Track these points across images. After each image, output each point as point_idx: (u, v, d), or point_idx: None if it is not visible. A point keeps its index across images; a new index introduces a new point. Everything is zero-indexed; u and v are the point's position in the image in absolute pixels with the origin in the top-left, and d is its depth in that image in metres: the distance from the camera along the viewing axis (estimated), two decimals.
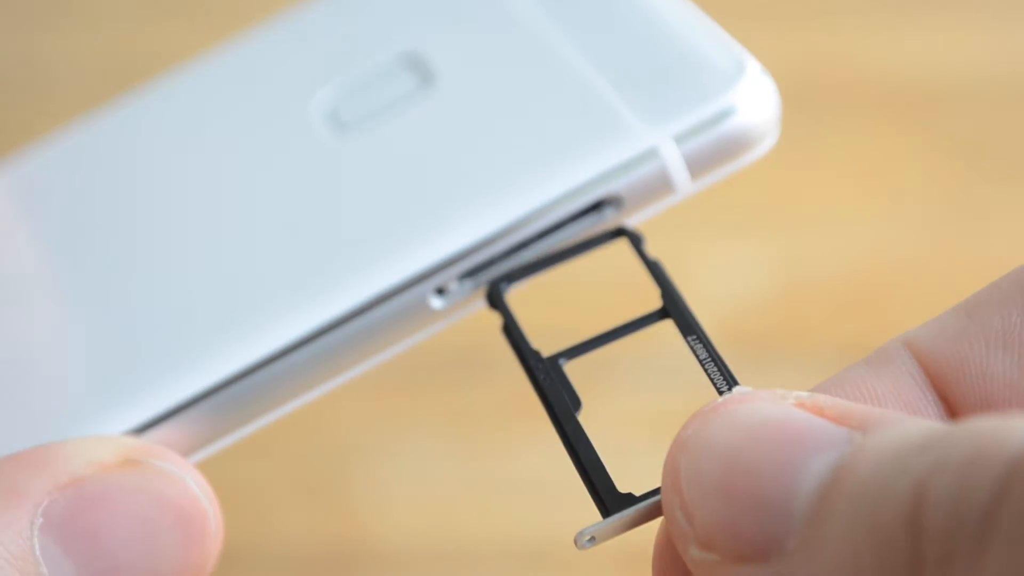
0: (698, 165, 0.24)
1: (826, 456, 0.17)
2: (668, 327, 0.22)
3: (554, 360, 0.22)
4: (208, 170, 0.27)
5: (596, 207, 0.24)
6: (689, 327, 0.22)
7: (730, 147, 0.24)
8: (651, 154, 0.24)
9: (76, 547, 0.21)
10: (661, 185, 0.24)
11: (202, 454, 0.24)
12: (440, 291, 0.24)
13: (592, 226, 0.25)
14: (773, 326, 0.45)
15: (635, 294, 0.24)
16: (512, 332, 0.23)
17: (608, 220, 0.24)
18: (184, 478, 0.22)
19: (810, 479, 0.17)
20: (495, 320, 0.24)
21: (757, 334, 0.45)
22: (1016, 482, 0.15)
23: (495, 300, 0.24)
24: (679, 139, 0.24)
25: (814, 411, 0.18)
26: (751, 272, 0.46)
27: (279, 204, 0.26)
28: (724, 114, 0.24)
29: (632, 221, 0.25)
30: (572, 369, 0.22)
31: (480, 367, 0.24)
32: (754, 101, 0.24)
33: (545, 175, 0.24)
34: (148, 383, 0.24)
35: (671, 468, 0.18)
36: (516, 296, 0.24)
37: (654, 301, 0.23)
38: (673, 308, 0.22)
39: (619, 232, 0.24)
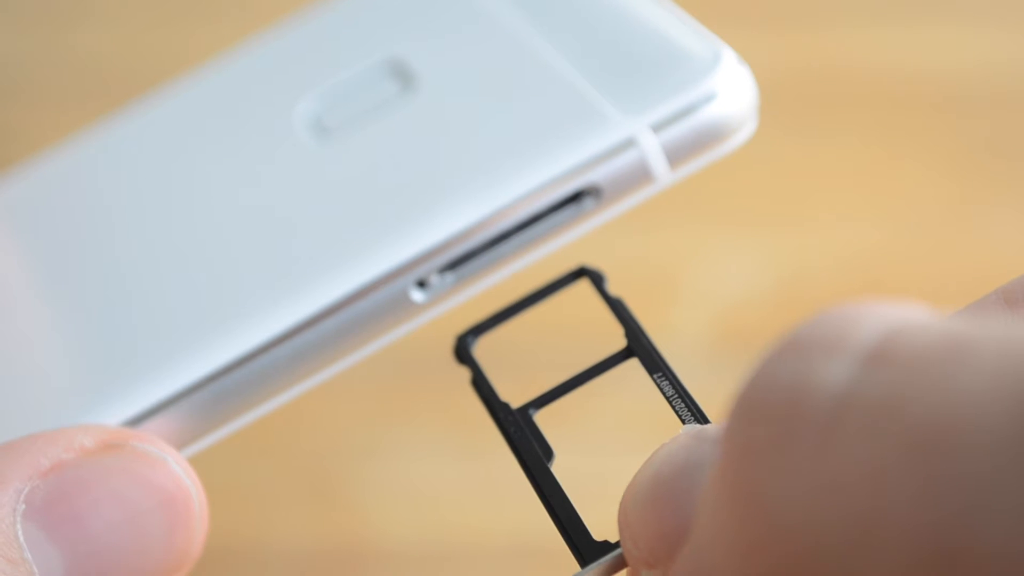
0: (677, 154, 0.24)
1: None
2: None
3: (523, 411, 0.22)
4: (196, 176, 0.27)
5: (575, 197, 0.24)
6: (655, 364, 0.22)
7: (708, 135, 0.24)
8: (629, 143, 0.24)
9: (60, 532, 0.21)
10: (640, 174, 0.24)
11: (191, 449, 0.24)
12: (421, 284, 0.24)
13: (572, 217, 0.25)
14: (770, 324, 0.45)
15: (601, 332, 0.24)
16: (481, 386, 0.23)
17: (588, 210, 0.24)
18: (166, 459, 0.22)
19: (708, 455, 0.17)
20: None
21: (754, 333, 0.45)
22: (874, 371, 0.14)
23: (462, 355, 0.24)
24: (657, 128, 0.24)
25: None
26: (748, 271, 0.46)
27: (264, 207, 0.26)
28: (701, 102, 0.24)
29: (612, 212, 0.25)
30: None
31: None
32: (731, 89, 0.24)
33: (524, 166, 0.24)
34: (135, 379, 0.24)
35: (623, 504, 0.19)
36: (484, 346, 0.24)
37: (619, 339, 0.23)
38: (637, 346, 0.22)
39: (580, 273, 0.24)
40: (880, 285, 0.46)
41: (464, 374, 0.23)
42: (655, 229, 0.24)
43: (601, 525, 0.21)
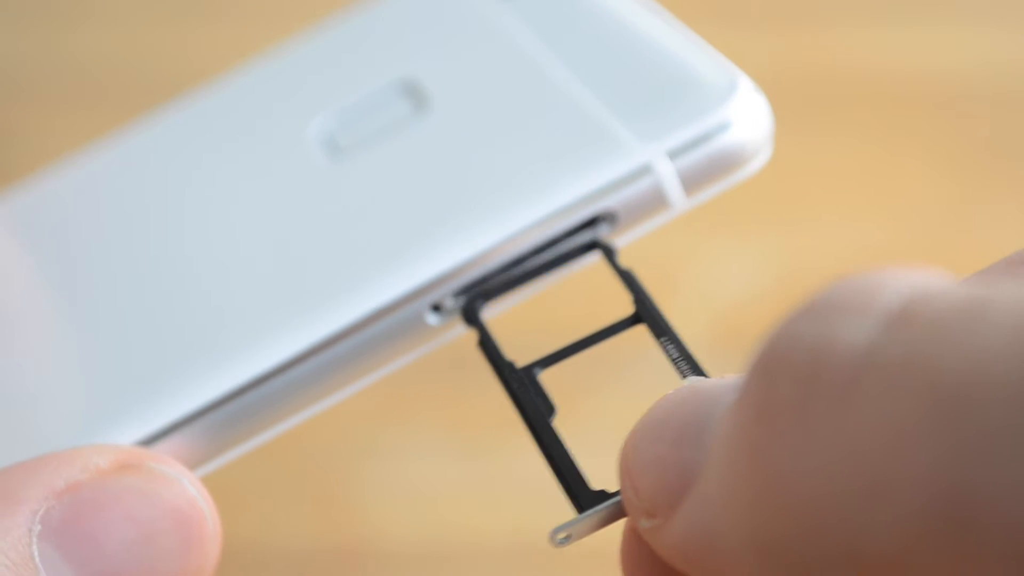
0: (692, 181, 0.25)
1: (732, 395, 0.17)
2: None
3: (528, 370, 0.23)
4: (209, 195, 0.27)
5: (591, 223, 0.24)
6: (661, 329, 0.22)
7: (724, 163, 0.24)
8: (645, 170, 0.24)
9: (75, 552, 0.21)
10: (655, 201, 0.24)
11: (203, 470, 0.24)
12: (436, 307, 0.24)
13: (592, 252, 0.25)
14: (770, 326, 0.45)
15: (609, 305, 0.24)
16: (487, 346, 0.23)
17: (603, 236, 0.25)
18: (181, 480, 0.22)
19: (720, 407, 0.17)
20: (495, 322, 0.24)
21: (754, 333, 0.45)
22: (896, 332, 0.14)
23: (470, 316, 0.24)
24: (673, 155, 0.24)
25: None
26: (748, 271, 0.46)
27: (277, 226, 0.26)
28: (718, 130, 0.24)
29: (626, 238, 0.25)
30: (576, 365, 0.22)
31: (481, 367, 0.24)
32: (747, 117, 0.24)
33: (539, 191, 0.24)
34: (149, 399, 0.24)
35: (623, 453, 0.19)
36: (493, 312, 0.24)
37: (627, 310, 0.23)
38: (645, 313, 0.23)
39: (592, 245, 0.24)
40: None
41: (465, 376, 0.23)
42: (659, 232, 0.24)
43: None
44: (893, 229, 0.47)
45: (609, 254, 0.24)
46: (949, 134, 0.49)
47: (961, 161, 0.49)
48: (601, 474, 0.21)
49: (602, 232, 0.25)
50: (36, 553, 0.21)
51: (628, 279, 0.23)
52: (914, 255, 0.47)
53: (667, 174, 0.24)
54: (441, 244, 0.24)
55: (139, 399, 0.24)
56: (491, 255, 0.24)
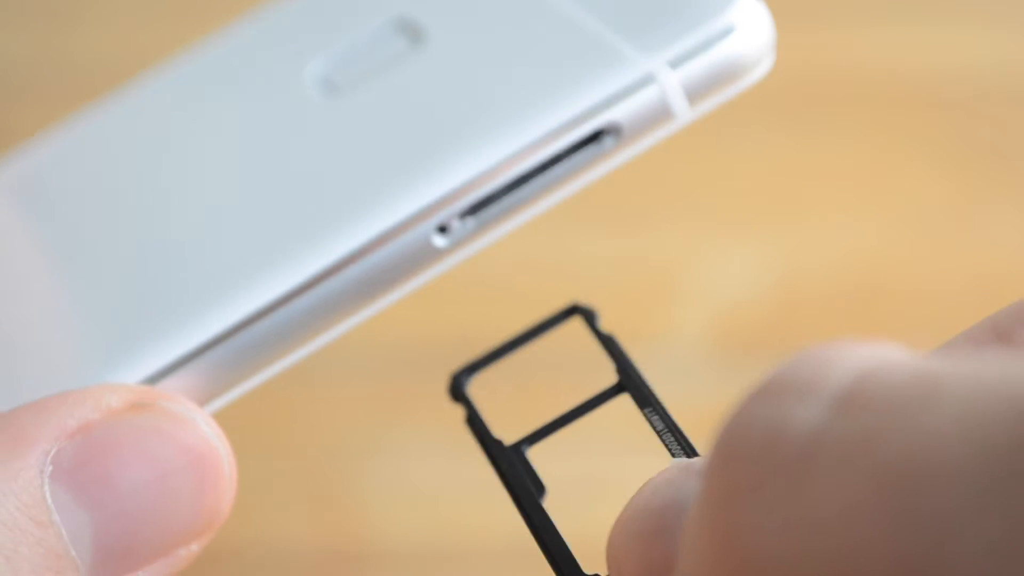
0: (696, 90, 0.24)
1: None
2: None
3: (516, 447, 0.22)
4: (210, 137, 0.27)
5: (595, 137, 0.24)
6: (645, 400, 0.22)
7: (727, 71, 0.24)
8: (648, 79, 0.24)
9: (87, 493, 0.21)
10: (660, 111, 0.24)
11: (216, 404, 0.24)
12: (443, 229, 0.24)
13: (593, 157, 0.24)
14: (770, 325, 0.45)
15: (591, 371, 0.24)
16: (475, 423, 0.23)
17: (608, 149, 0.24)
18: (195, 419, 0.22)
19: (694, 493, 0.17)
20: (496, 321, 0.24)
21: (754, 334, 0.45)
22: (846, 411, 0.14)
23: (456, 393, 0.24)
24: (675, 64, 0.24)
25: None
26: (748, 271, 0.46)
27: (278, 164, 0.26)
28: (719, 37, 0.24)
29: (631, 151, 0.25)
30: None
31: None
32: (748, 24, 0.24)
33: (542, 107, 0.24)
34: (155, 335, 0.24)
35: (610, 537, 0.19)
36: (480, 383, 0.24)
37: (610, 374, 0.23)
38: (628, 382, 0.22)
39: (572, 311, 0.24)
40: (880, 285, 0.46)
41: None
42: (655, 229, 0.24)
43: (597, 536, 0.21)
44: (893, 229, 0.47)
45: (589, 318, 0.24)
46: (949, 134, 0.49)
47: (961, 161, 0.49)
48: (599, 474, 0.21)
49: (607, 145, 0.24)
50: (48, 494, 0.21)
51: (609, 345, 0.23)
52: (914, 255, 0.47)
53: (670, 83, 0.24)
54: (444, 163, 0.24)
55: (147, 335, 0.24)
56: (496, 173, 0.24)
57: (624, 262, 0.24)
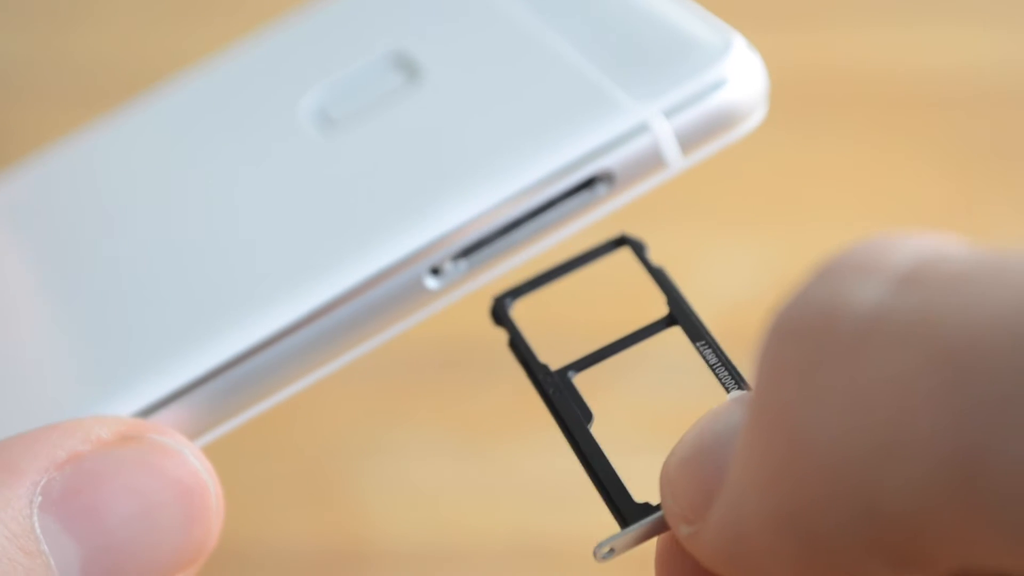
0: (689, 139, 0.24)
1: None
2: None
3: (563, 373, 0.22)
4: (205, 170, 0.27)
5: (588, 184, 0.24)
6: (697, 333, 0.22)
7: (720, 121, 0.24)
8: (642, 128, 0.24)
9: (76, 524, 0.21)
10: (653, 160, 0.24)
11: (206, 439, 0.24)
12: (435, 271, 0.24)
13: (585, 204, 0.25)
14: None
15: (638, 301, 0.24)
16: (519, 347, 0.23)
17: (600, 196, 0.24)
18: (183, 451, 0.22)
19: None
20: (537, 325, 0.24)
21: (754, 332, 0.45)
22: (906, 290, 0.14)
23: (500, 316, 0.24)
24: (669, 113, 0.24)
25: None
26: (749, 270, 0.46)
27: (272, 198, 0.26)
28: (713, 87, 0.24)
29: (624, 198, 0.25)
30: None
31: (481, 367, 0.24)
32: (742, 75, 0.24)
33: (536, 153, 0.24)
34: (148, 369, 0.24)
35: (665, 464, 0.19)
36: (521, 308, 0.24)
37: (658, 307, 0.23)
38: (680, 315, 0.22)
39: (621, 241, 0.24)
40: None
41: (465, 377, 0.23)
42: (655, 229, 0.24)
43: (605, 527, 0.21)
44: (892, 229, 0.47)
45: (639, 250, 0.24)
46: (949, 134, 0.49)
47: (961, 161, 0.49)
48: (626, 471, 0.21)
49: (599, 192, 0.24)
50: (37, 524, 0.21)
51: (660, 277, 0.23)
52: None
53: (664, 132, 0.24)
54: (438, 206, 0.24)
55: (139, 369, 0.24)
56: (489, 217, 0.24)
57: (624, 262, 0.24)
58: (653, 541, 0.20)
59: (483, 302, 0.24)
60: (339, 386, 0.25)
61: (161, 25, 0.55)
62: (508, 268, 0.25)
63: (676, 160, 0.25)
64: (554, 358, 0.22)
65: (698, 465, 0.18)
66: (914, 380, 0.14)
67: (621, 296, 0.25)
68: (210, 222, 0.26)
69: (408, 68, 0.27)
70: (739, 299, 0.45)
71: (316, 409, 0.44)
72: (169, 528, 0.22)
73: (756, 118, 0.25)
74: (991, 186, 0.48)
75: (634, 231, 0.29)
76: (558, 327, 0.29)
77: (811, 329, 0.15)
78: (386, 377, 0.44)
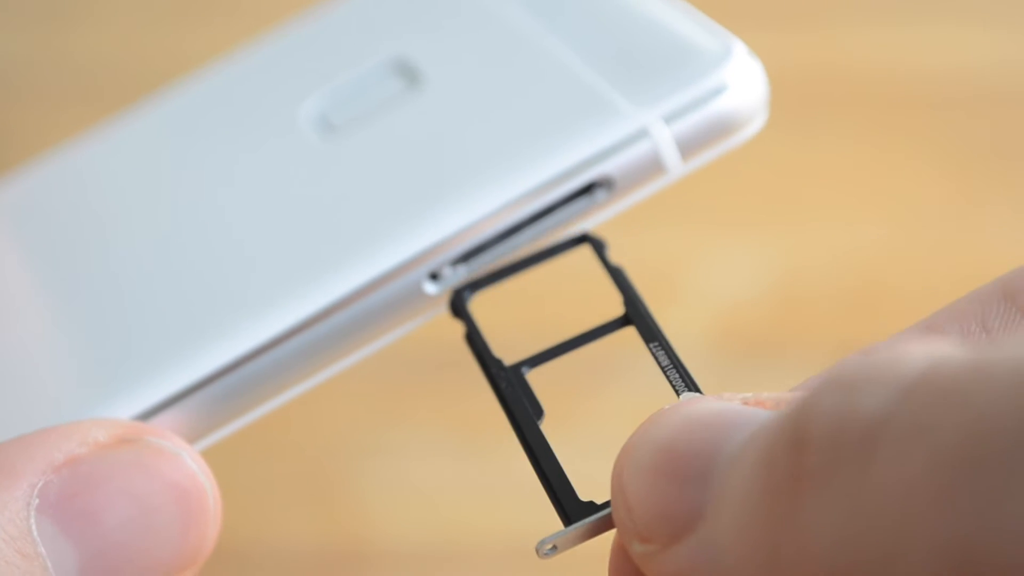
0: (689, 145, 0.24)
1: (747, 428, 0.17)
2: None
3: (516, 368, 0.22)
4: (206, 175, 0.27)
5: (588, 189, 0.24)
6: (651, 334, 0.22)
7: (720, 127, 0.24)
8: (641, 134, 0.24)
9: (73, 527, 0.21)
10: (652, 166, 0.24)
11: (204, 443, 0.24)
12: (434, 276, 0.24)
13: (584, 209, 0.25)
14: (770, 325, 0.45)
15: (599, 300, 0.24)
16: (475, 340, 0.23)
17: (600, 202, 0.24)
18: (181, 454, 0.22)
19: (728, 450, 0.17)
20: (497, 322, 0.24)
21: (754, 333, 0.45)
22: (910, 400, 0.15)
23: (458, 308, 0.24)
24: (669, 119, 0.24)
25: (754, 404, 0.18)
26: (748, 271, 0.46)
27: (272, 203, 0.26)
28: (713, 94, 0.24)
29: (624, 204, 0.25)
30: (579, 361, 0.22)
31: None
32: (742, 81, 0.24)
33: (535, 158, 0.24)
34: (148, 372, 0.24)
35: (616, 470, 0.19)
36: (480, 303, 0.24)
37: (616, 307, 0.23)
38: (635, 315, 0.22)
39: (582, 239, 0.24)
40: (880, 285, 0.46)
41: (465, 377, 0.23)
42: (654, 229, 0.24)
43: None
44: (893, 229, 0.47)
45: (599, 249, 0.24)
46: (949, 134, 0.49)
47: (961, 161, 0.49)
48: (591, 478, 0.21)
49: (599, 198, 0.24)
50: (34, 527, 0.21)
51: (617, 276, 0.23)
52: (914, 255, 0.47)
53: (663, 138, 0.24)
54: (438, 212, 0.24)
55: (138, 373, 0.24)
56: (489, 222, 0.24)
57: (624, 262, 0.24)
58: (606, 539, 0.20)
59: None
60: (339, 386, 0.25)
61: (161, 25, 0.55)
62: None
63: (676, 166, 0.25)
64: (514, 355, 0.22)
65: (663, 487, 0.18)
66: (916, 485, 0.14)
67: (592, 295, 0.25)
68: (210, 226, 0.26)
69: (408, 74, 0.27)
70: (738, 299, 0.45)
71: (316, 409, 0.44)
72: (166, 531, 0.22)
73: (756, 124, 0.25)
74: (991, 186, 0.48)
75: (634, 231, 0.29)
76: (522, 325, 0.29)
77: (823, 435, 0.15)
78: (386, 377, 0.44)
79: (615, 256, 0.24)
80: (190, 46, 0.53)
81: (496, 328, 0.24)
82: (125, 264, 0.26)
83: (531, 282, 0.25)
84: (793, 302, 0.45)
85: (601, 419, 0.41)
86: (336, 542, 0.42)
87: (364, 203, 0.25)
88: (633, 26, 0.26)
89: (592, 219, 0.25)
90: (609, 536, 0.20)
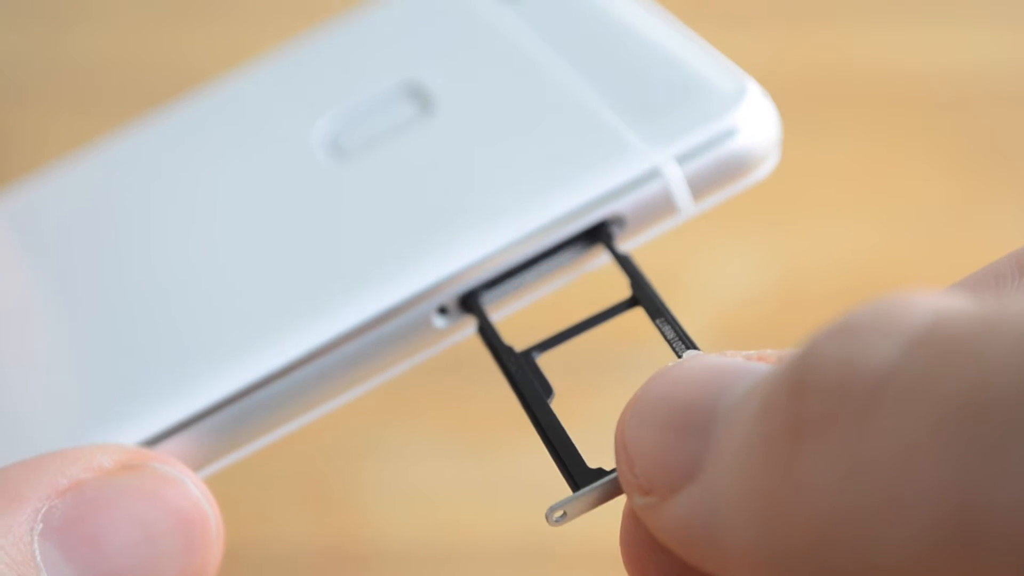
0: (700, 186, 0.24)
1: (748, 380, 0.17)
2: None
3: (526, 354, 0.23)
4: (214, 197, 0.27)
5: (599, 227, 0.24)
6: (657, 311, 0.22)
7: (732, 168, 0.24)
8: (654, 174, 0.24)
9: (76, 552, 0.21)
10: (664, 205, 0.24)
11: (208, 470, 0.24)
12: (443, 311, 0.24)
13: (595, 246, 0.25)
14: (770, 325, 0.45)
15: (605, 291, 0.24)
16: (486, 332, 0.23)
17: (611, 241, 0.24)
18: (184, 481, 0.22)
19: (729, 400, 0.17)
20: (497, 321, 0.24)
21: (754, 333, 0.45)
22: (917, 352, 0.15)
23: (470, 304, 0.24)
24: (681, 159, 0.24)
25: (756, 360, 0.18)
26: (749, 271, 0.46)
27: (282, 228, 0.26)
28: (726, 135, 0.24)
29: (634, 242, 0.25)
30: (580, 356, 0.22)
31: (481, 368, 0.24)
32: (755, 122, 0.24)
33: (547, 195, 0.24)
34: (153, 400, 0.24)
35: (619, 426, 0.19)
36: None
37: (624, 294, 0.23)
38: (641, 295, 0.23)
39: (591, 232, 0.24)
40: (880, 285, 0.46)
41: (465, 377, 0.23)
42: (662, 234, 0.24)
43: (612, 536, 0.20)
44: (893, 229, 0.47)
45: (607, 239, 0.24)
46: (949, 134, 0.49)
47: (961, 161, 0.49)
48: (604, 461, 0.21)
49: (610, 235, 0.24)
50: (37, 552, 0.21)
51: (625, 263, 0.23)
52: (914, 255, 0.47)
53: (675, 179, 0.24)
54: (447, 247, 0.24)
55: (144, 399, 0.24)
56: (498, 259, 0.24)
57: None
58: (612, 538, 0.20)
59: (505, 328, 0.24)
60: (343, 405, 0.25)
61: (161, 25, 0.55)
62: (516, 309, 0.25)
63: (687, 206, 0.25)
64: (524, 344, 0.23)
65: (664, 438, 0.18)
66: (919, 438, 0.14)
67: (598, 295, 0.25)
68: (217, 251, 0.26)
69: (421, 99, 0.27)
70: (739, 299, 0.45)
71: None
72: (169, 557, 0.22)
73: (768, 165, 0.25)
74: (991, 186, 0.48)
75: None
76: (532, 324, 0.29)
77: (825, 384, 0.15)
78: (387, 378, 0.44)
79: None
80: (190, 46, 0.53)
81: (505, 324, 0.24)
82: (130, 288, 0.26)
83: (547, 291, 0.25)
84: (794, 302, 0.45)
85: (610, 413, 0.41)
86: (335, 542, 0.42)
87: (373, 233, 0.25)
88: (648, 62, 0.26)
89: (601, 256, 0.25)
90: (615, 532, 0.20)
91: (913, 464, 0.14)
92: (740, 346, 0.19)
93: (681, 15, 0.27)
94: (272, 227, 0.26)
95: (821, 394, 0.15)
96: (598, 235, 0.24)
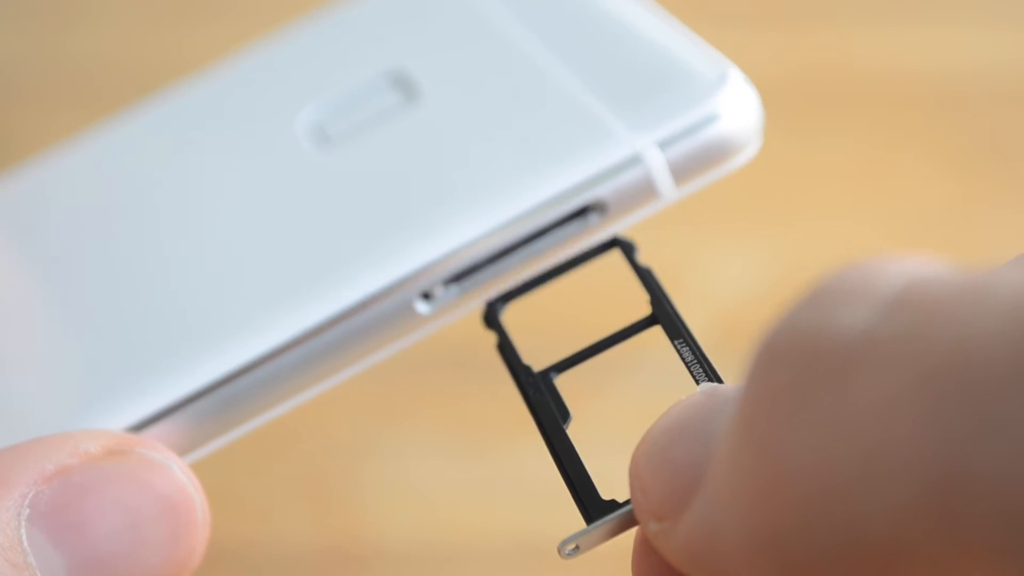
0: (682, 171, 0.25)
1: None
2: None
3: (545, 374, 0.22)
4: (198, 184, 0.27)
5: (581, 212, 0.24)
6: (676, 331, 0.22)
7: (713, 153, 0.25)
8: (635, 159, 0.24)
9: (63, 537, 0.21)
10: (645, 191, 0.25)
11: (194, 456, 0.24)
12: (426, 296, 0.24)
13: (577, 232, 0.25)
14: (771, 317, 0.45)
15: (622, 302, 0.24)
16: (505, 350, 0.23)
17: (593, 226, 0.25)
18: (171, 466, 0.22)
19: (724, 411, 0.17)
20: (521, 324, 0.24)
21: (755, 332, 0.45)
22: (894, 315, 0.14)
23: (491, 320, 0.24)
24: (663, 145, 0.24)
25: None
26: (749, 271, 0.46)
27: (266, 214, 0.26)
28: (707, 120, 0.24)
29: (616, 227, 0.25)
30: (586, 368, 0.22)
31: (481, 368, 0.24)
32: (737, 108, 0.25)
33: (529, 180, 0.24)
34: (139, 385, 0.24)
35: (634, 457, 0.19)
36: (512, 310, 0.24)
37: (642, 308, 0.23)
38: (662, 314, 0.22)
39: (612, 243, 0.24)
40: None
41: (464, 377, 0.23)
42: (655, 229, 0.24)
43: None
44: (893, 229, 0.47)
45: (628, 251, 0.24)
46: (949, 134, 0.49)
47: (961, 161, 0.49)
48: (611, 475, 0.21)
49: (592, 221, 0.24)
50: (24, 537, 0.21)
51: (646, 278, 0.23)
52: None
53: (657, 164, 0.24)
54: (431, 232, 0.24)
55: (129, 385, 0.24)
56: (480, 244, 0.24)
57: (624, 262, 0.24)
58: (626, 540, 0.20)
59: (512, 309, 0.24)
60: (339, 386, 0.25)
61: (161, 25, 0.55)
62: (498, 293, 0.25)
63: (669, 191, 0.25)
64: (546, 360, 0.23)
65: (670, 461, 0.18)
66: (899, 404, 0.14)
67: (613, 299, 0.25)
68: (203, 238, 0.26)
69: (406, 88, 0.27)
70: (739, 299, 0.45)
71: (315, 409, 0.43)
72: (155, 542, 0.22)
73: (750, 151, 0.25)
74: (991, 186, 0.48)
75: (635, 231, 0.29)
76: (551, 329, 0.29)
77: (800, 352, 0.15)
78: (386, 377, 0.44)
79: (616, 257, 0.24)
80: (190, 46, 0.53)
81: (521, 331, 0.24)
82: (116, 275, 0.26)
83: (558, 286, 0.25)
84: (793, 295, 0.45)
85: (612, 418, 0.41)
86: (335, 542, 0.42)
87: (356, 220, 0.25)
88: (630, 48, 0.26)
89: (584, 242, 0.25)
90: (627, 542, 0.20)
91: (893, 429, 0.14)
92: (741, 347, 0.19)
93: (679, 14, 0.27)
94: (258, 215, 0.26)
95: (792, 363, 0.15)
96: (618, 247, 0.24)
